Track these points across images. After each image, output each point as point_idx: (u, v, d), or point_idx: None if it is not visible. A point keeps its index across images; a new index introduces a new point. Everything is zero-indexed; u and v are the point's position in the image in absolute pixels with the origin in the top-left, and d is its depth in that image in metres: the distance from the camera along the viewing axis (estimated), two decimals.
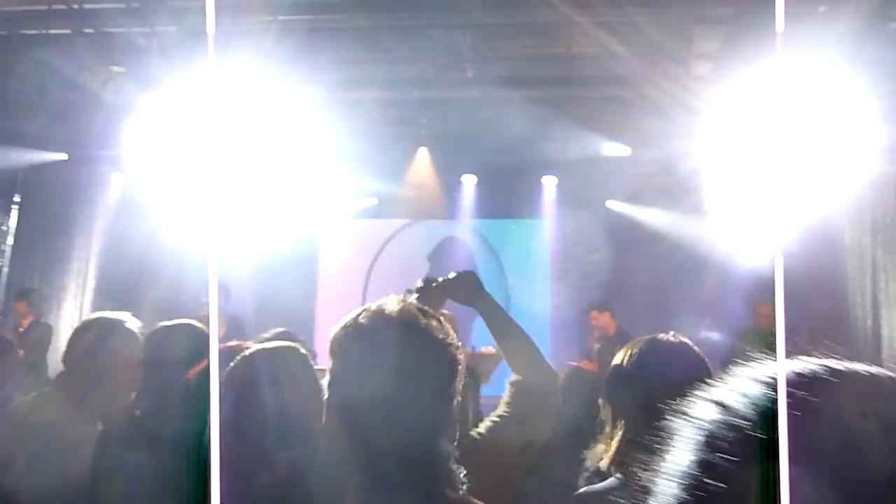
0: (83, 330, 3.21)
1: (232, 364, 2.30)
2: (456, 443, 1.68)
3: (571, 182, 10.78)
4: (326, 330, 1.75)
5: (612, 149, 10.07)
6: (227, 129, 9.89)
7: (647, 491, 0.92)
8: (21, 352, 8.35)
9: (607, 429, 2.23)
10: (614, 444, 2.15)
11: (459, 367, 1.67)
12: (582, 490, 2.25)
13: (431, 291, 2.74)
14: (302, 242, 11.73)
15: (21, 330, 8.85)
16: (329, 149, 10.69)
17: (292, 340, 2.82)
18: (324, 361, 1.76)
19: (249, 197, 11.16)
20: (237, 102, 8.65)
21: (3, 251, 10.25)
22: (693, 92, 8.34)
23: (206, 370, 2.47)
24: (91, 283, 11.23)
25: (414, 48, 8.96)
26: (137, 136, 9.62)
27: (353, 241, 11.82)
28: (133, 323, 3.18)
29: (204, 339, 2.88)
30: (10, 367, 4.27)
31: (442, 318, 1.75)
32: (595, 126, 10.09)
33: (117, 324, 3.13)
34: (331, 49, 9.22)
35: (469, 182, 11.19)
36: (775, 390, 0.86)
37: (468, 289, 2.73)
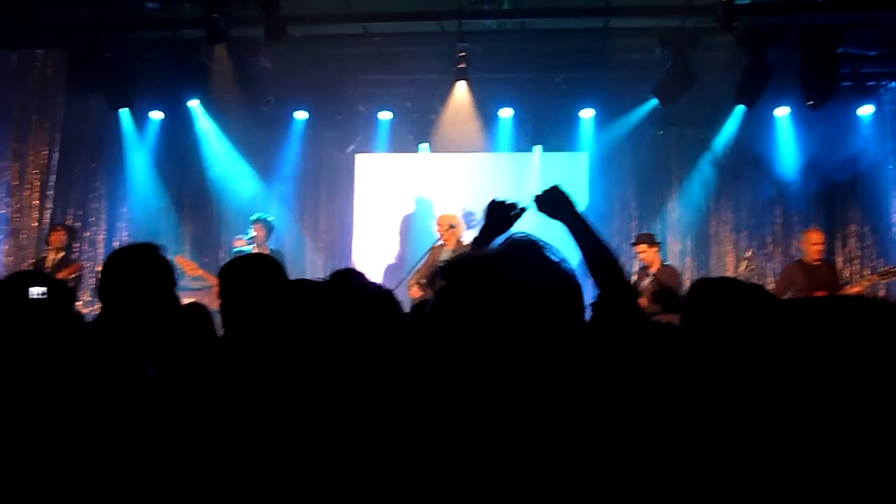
0: None
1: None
2: None
3: (609, 114, 11.06)
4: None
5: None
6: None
7: None
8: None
9: None
10: None
11: None
12: None
13: (505, 208, 2.98)
14: (341, 177, 12.23)
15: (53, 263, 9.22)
16: (366, 84, 11.14)
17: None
18: None
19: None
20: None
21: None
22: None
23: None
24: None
25: None
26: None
27: (390, 175, 12.12)
28: None
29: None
30: None
31: None
32: (634, 56, 10.25)
33: None
34: None
35: (506, 115, 11.39)
36: None
37: (557, 201, 2.86)
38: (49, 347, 2.67)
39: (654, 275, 8.64)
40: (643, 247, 8.85)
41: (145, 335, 2.95)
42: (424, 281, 8.26)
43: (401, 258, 11.43)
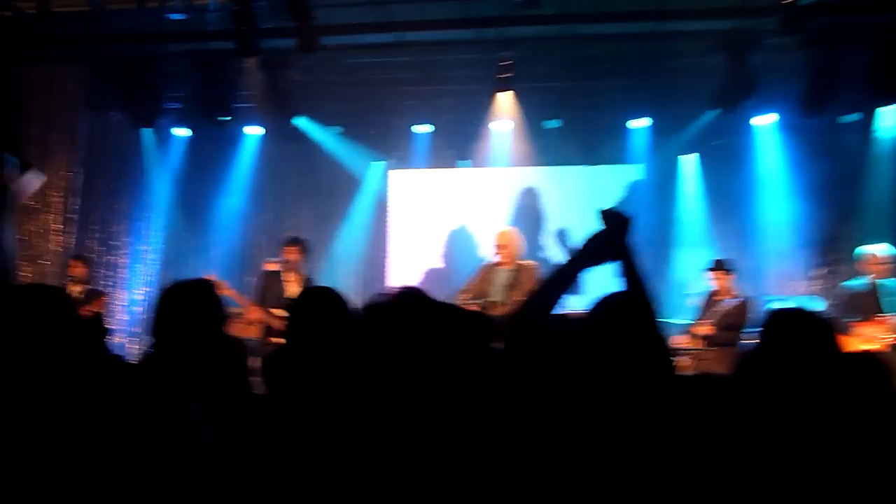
0: None
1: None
2: None
3: (663, 124, 10.99)
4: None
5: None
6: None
7: None
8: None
9: None
10: None
11: None
12: None
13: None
14: (375, 195, 12.13)
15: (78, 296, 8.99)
16: (402, 96, 11.09)
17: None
18: None
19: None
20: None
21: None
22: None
23: None
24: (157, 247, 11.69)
25: None
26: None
27: (428, 193, 12.12)
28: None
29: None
30: None
31: None
32: (689, 61, 10.10)
33: None
34: None
35: (553, 126, 11.31)
36: None
37: (621, 237, 2.76)
38: (86, 389, 2.48)
39: (725, 306, 8.55)
40: (719, 273, 8.75)
41: (197, 375, 2.99)
42: (477, 302, 8.06)
43: (439, 283, 11.10)
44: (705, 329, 8.48)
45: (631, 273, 2.71)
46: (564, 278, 2.78)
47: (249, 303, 8.93)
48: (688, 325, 8.75)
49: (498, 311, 7.79)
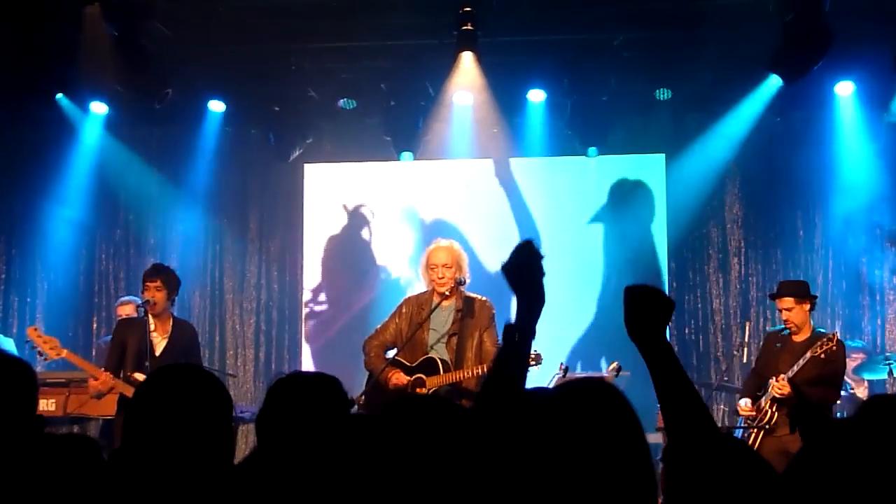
0: None
1: None
2: None
3: (696, 96, 10.64)
4: None
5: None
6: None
7: None
8: None
9: None
10: None
11: None
12: None
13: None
14: (281, 197, 12.04)
15: None
16: (318, 58, 10.86)
17: None
18: None
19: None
20: None
21: None
22: None
23: None
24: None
25: None
26: None
27: (356, 195, 11.90)
28: None
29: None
30: None
31: None
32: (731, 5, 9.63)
33: None
34: None
35: (537, 99, 10.80)
36: None
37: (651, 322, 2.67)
38: None
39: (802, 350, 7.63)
40: (789, 301, 7.84)
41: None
42: (393, 365, 7.52)
43: (372, 316, 10.45)
44: (776, 387, 7.62)
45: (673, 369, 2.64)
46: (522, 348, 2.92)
47: (96, 368, 8.46)
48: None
49: (441, 380, 7.35)
